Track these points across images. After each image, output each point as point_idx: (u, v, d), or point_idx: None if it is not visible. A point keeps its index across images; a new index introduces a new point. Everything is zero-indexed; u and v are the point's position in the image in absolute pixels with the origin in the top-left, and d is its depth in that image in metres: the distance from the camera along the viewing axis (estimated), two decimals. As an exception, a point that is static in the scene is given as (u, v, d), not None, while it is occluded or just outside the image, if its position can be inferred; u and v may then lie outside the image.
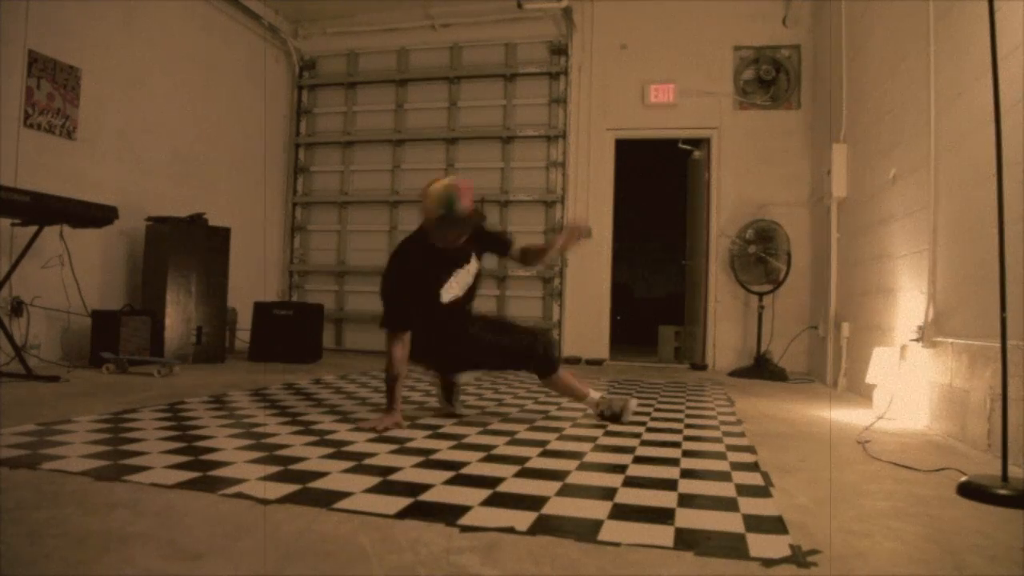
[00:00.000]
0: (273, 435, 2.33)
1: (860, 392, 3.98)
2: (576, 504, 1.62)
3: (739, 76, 5.96)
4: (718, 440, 2.52)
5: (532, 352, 2.73)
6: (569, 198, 6.23)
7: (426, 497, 1.63)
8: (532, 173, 6.41)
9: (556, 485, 1.79)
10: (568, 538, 1.37)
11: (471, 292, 2.83)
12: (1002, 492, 1.74)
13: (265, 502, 1.54)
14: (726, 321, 5.87)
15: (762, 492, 1.78)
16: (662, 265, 10.82)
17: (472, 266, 2.78)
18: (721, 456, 2.23)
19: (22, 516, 1.40)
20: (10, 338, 3.60)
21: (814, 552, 1.32)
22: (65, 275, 4.28)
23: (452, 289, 2.71)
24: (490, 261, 3.47)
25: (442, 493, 1.68)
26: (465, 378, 3.04)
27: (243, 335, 5.61)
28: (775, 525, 1.49)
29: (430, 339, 2.72)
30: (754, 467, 2.07)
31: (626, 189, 6.55)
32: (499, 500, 1.64)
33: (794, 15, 5.80)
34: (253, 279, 6.26)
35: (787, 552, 1.32)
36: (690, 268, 6.54)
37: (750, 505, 1.64)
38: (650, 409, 3.28)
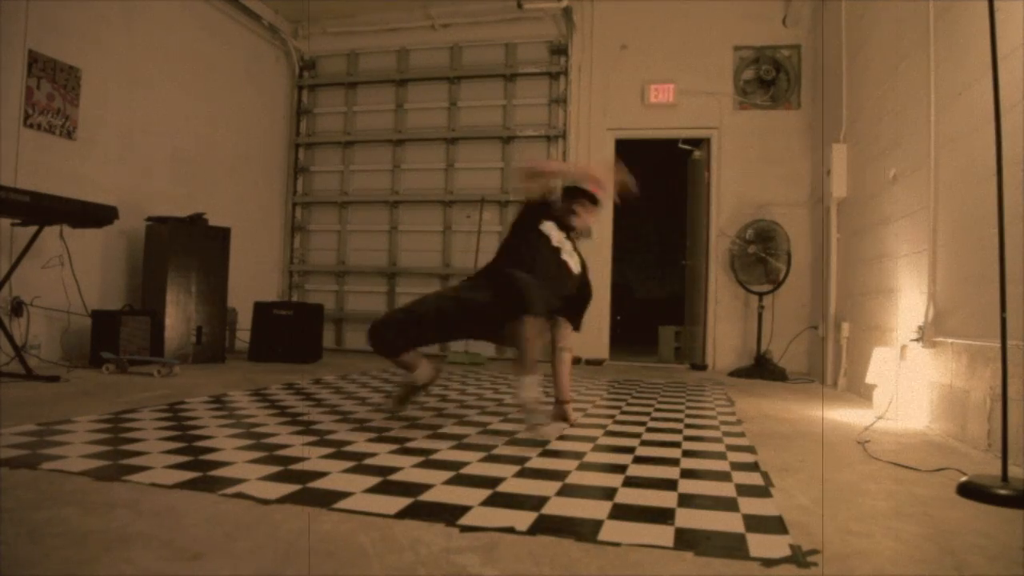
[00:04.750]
0: (273, 435, 2.33)
1: (860, 392, 3.98)
2: (576, 504, 1.62)
3: (739, 76, 5.96)
4: (718, 440, 2.52)
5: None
6: (569, 198, 6.22)
7: (426, 497, 1.63)
8: (532, 173, 6.39)
9: (556, 485, 1.79)
10: (568, 538, 1.37)
11: None
12: (1002, 492, 1.74)
13: (265, 502, 1.54)
14: (726, 321, 5.87)
15: (762, 492, 1.78)
16: (662, 265, 10.81)
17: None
18: (721, 456, 2.23)
19: (22, 516, 1.40)
20: (10, 338, 3.60)
21: (814, 552, 1.32)
22: (65, 275, 4.28)
23: None
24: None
25: (442, 493, 1.68)
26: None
27: (243, 335, 5.61)
28: (775, 525, 1.49)
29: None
30: (754, 467, 2.07)
31: (626, 189, 6.54)
32: (499, 500, 1.64)
33: (794, 15, 5.79)
34: (253, 279, 6.26)
35: (787, 552, 1.32)
36: (690, 268, 6.54)
37: (750, 505, 1.64)
38: (650, 409, 3.28)
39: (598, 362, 5.98)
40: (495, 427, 2.67)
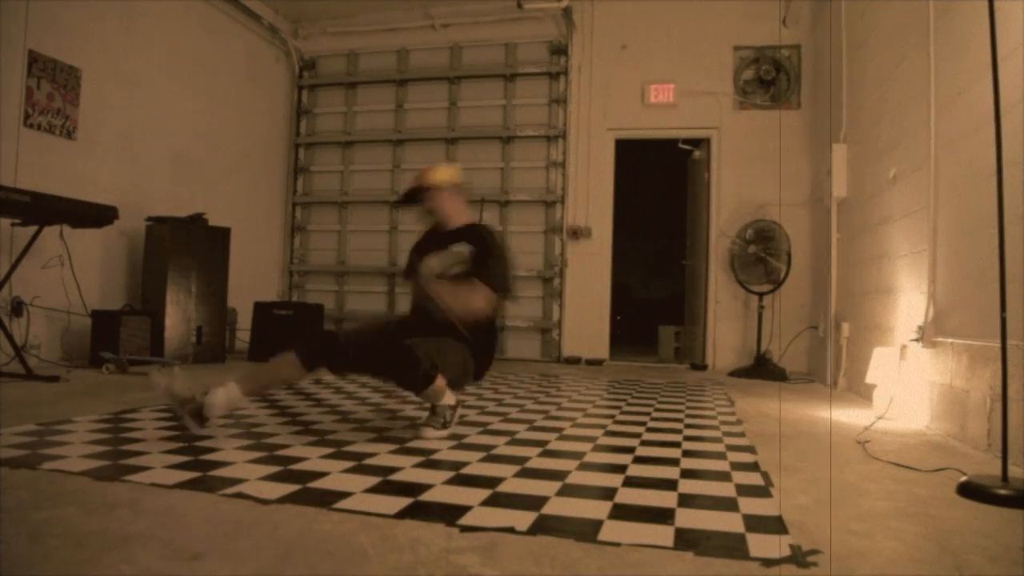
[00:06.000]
0: (273, 435, 2.33)
1: (860, 392, 3.98)
2: (576, 504, 1.62)
3: (739, 76, 5.95)
4: (718, 440, 2.52)
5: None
6: (569, 198, 6.23)
7: (426, 497, 1.63)
8: (532, 173, 6.40)
9: (556, 485, 1.79)
10: (568, 538, 1.37)
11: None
12: (1002, 492, 1.75)
13: (265, 502, 1.54)
14: (726, 321, 5.87)
15: (762, 492, 1.78)
16: (662, 265, 10.81)
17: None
18: (721, 456, 2.23)
19: (22, 516, 1.40)
20: (10, 338, 3.60)
21: (814, 552, 1.32)
22: (65, 275, 4.28)
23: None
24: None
25: (442, 493, 1.68)
26: None
27: (243, 335, 5.61)
28: (775, 525, 1.49)
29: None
30: (754, 467, 2.07)
31: (626, 189, 6.55)
32: (499, 500, 1.64)
33: (794, 15, 5.79)
34: (253, 279, 6.25)
35: (787, 552, 1.32)
36: (690, 268, 6.54)
37: (750, 505, 1.64)
38: (650, 409, 3.28)
39: (598, 362, 5.98)
40: (495, 427, 2.67)
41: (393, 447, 2.21)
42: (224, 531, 1.36)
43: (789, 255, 5.43)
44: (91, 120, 4.58)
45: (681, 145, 6.21)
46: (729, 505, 1.64)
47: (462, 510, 1.53)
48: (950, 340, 2.81)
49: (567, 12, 6.14)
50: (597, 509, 1.57)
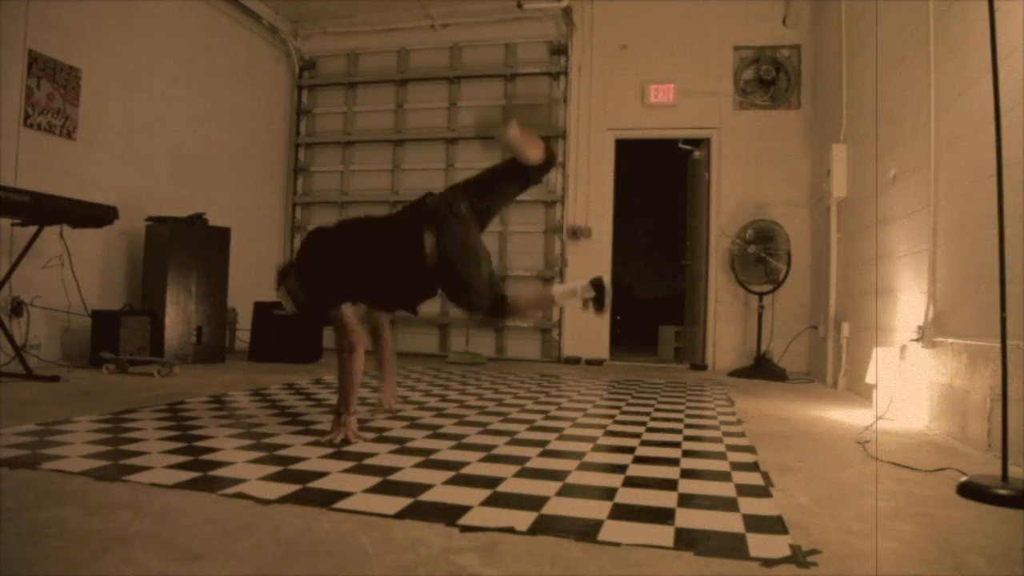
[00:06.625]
0: (273, 435, 2.33)
1: (860, 392, 3.98)
2: (576, 504, 1.62)
3: (739, 76, 5.95)
4: (718, 440, 2.52)
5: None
6: (569, 198, 6.23)
7: (426, 497, 1.63)
8: (532, 173, 6.39)
9: (556, 485, 1.79)
10: (568, 538, 1.37)
11: None
12: (1002, 492, 1.75)
13: (265, 502, 1.54)
14: (726, 321, 5.87)
15: (762, 492, 1.78)
16: (662, 265, 10.81)
17: None
18: (721, 456, 2.23)
19: (22, 516, 1.40)
20: (10, 338, 3.60)
21: (814, 552, 1.32)
22: (65, 275, 4.28)
23: None
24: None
25: (442, 493, 1.68)
26: None
27: (243, 335, 5.61)
28: (775, 525, 1.49)
29: None
30: (754, 467, 2.07)
31: (626, 189, 6.55)
32: (499, 500, 1.64)
33: (794, 15, 5.80)
34: (253, 279, 6.24)
35: (787, 552, 1.32)
36: (690, 268, 6.54)
37: (750, 505, 1.64)
38: (650, 409, 3.28)
39: (598, 362, 5.98)
40: (495, 427, 2.67)
41: (393, 447, 2.21)
42: (224, 531, 1.36)
43: (789, 255, 5.43)
44: (91, 120, 4.58)
45: (681, 145, 6.21)
46: (729, 505, 1.64)
47: (462, 510, 1.53)
48: (950, 340, 2.81)
49: (567, 12, 6.14)
50: (597, 509, 1.57)
